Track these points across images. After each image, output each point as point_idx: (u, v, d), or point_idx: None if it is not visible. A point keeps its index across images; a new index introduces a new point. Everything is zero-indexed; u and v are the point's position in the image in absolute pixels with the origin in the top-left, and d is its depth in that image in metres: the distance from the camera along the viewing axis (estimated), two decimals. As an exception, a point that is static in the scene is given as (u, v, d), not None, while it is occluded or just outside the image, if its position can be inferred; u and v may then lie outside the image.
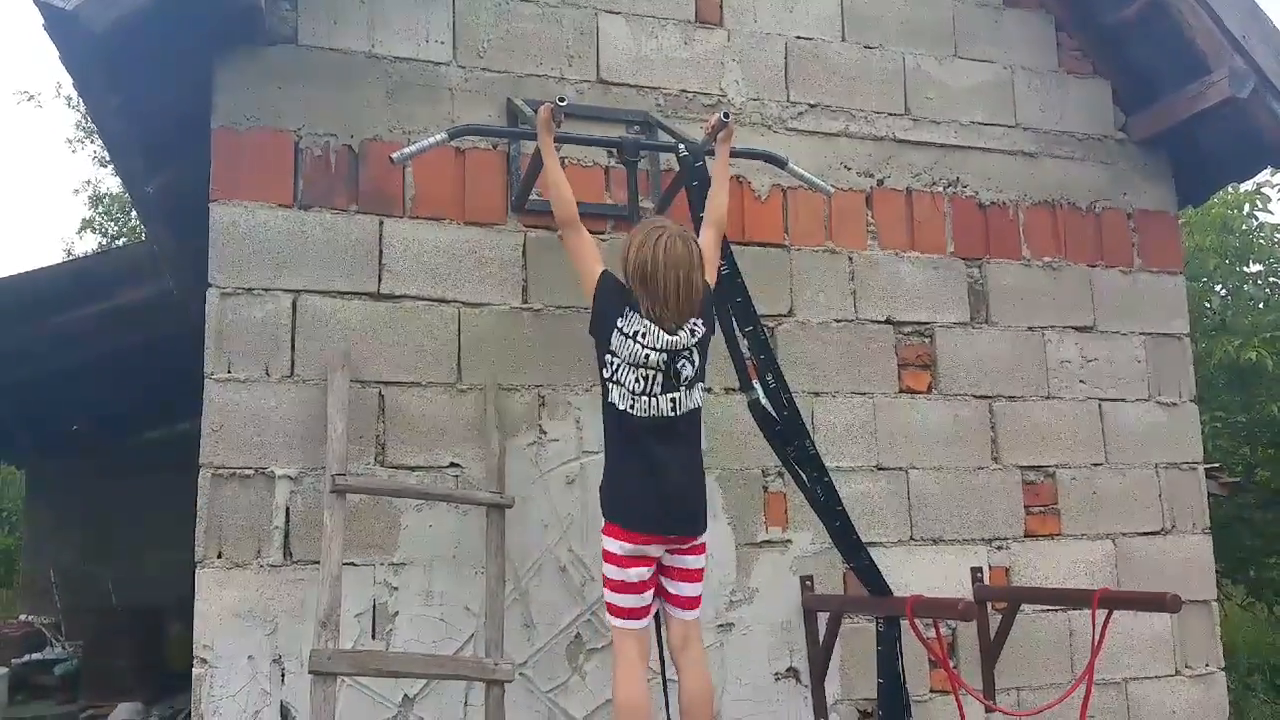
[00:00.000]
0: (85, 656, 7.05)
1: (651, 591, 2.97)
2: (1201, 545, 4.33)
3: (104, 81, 3.23)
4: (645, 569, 2.93)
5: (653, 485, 2.90)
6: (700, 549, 3.02)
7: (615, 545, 2.92)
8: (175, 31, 3.17)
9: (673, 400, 2.92)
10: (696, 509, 2.99)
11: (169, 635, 7.06)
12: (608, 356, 2.95)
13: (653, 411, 2.91)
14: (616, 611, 2.95)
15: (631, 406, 2.91)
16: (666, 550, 2.96)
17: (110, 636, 6.83)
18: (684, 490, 2.95)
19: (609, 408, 2.97)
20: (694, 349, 2.95)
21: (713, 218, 3.20)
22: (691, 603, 3.03)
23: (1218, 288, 9.39)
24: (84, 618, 7.60)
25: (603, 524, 2.97)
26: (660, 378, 2.91)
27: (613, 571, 2.93)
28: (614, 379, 2.94)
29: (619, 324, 2.91)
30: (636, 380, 2.90)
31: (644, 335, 2.88)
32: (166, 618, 7.16)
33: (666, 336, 2.88)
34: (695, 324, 2.94)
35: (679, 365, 2.92)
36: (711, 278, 3.09)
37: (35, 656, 7.55)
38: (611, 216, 3.66)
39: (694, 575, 3.02)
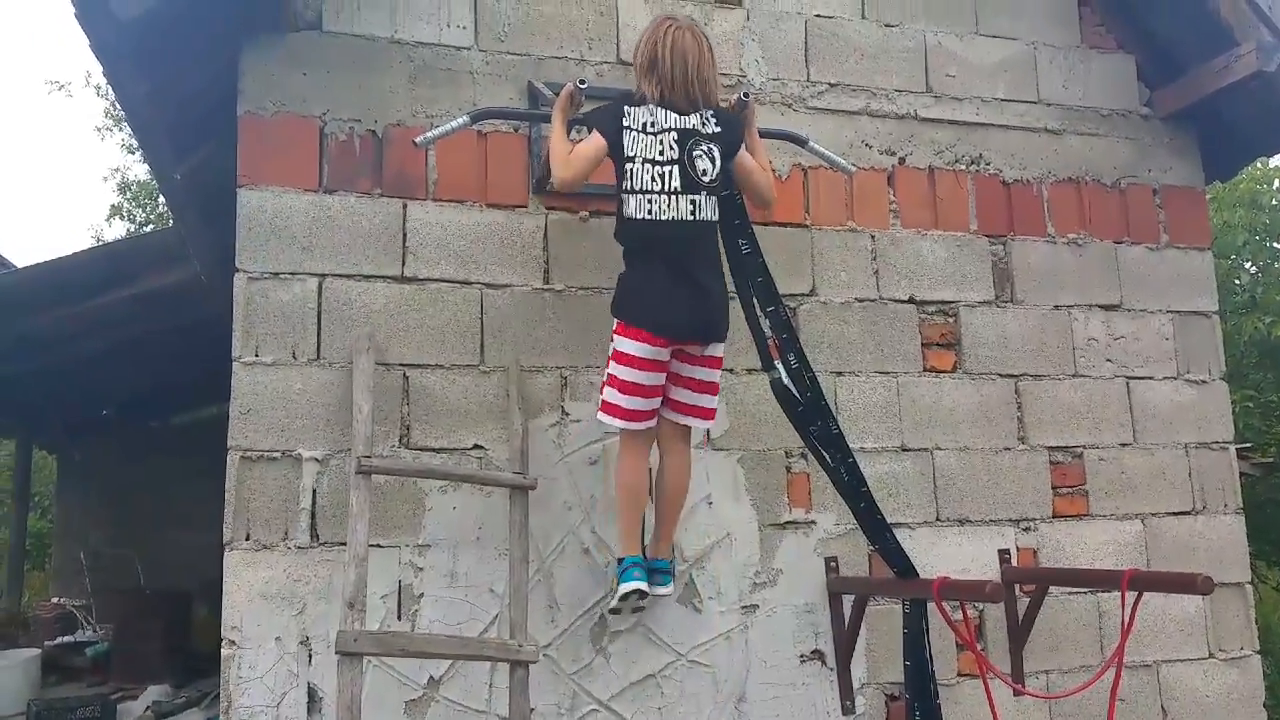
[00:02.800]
0: (115, 639, 7.15)
1: (659, 399, 3.06)
2: (1234, 526, 4.28)
3: (132, 69, 3.26)
4: (660, 373, 3.00)
5: (681, 290, 2.95)
6: (718, 362, 3.12)
7: (634, 347, 2.96)
8: (202, 19, 3.20)
9: (693, 202, 2.94)
10: (720, 316, 3.07)
11: (197, 618, 7.16)
12: (625, 166, 2.95)
13: (672, 213, 2.92)
14: (623, 414, 3.02)
15: (649, 211, 2.92)
16: (681, 359, 3.03)
17: (139, 619, 6.93)
18: (706, 295, 3.00)
19: (626, 223, 2.99)
20: (712, 145, 2.94)
21: (760, 193, 3.27)
22: (705, 413, 3.14)
23: (1247, 264, 9.27)
24: (114, 600, 7.72)
25: (615, 324, 3.02)
26: (677, 171, 2.91)
27: (627, 373, 2.98)
28: (632, 188, 2.95)
29: (625, 123, 2.92)
30: (654, 178, 2.91)
31: (652, 123, 2.90)
32: (194, 601, 7.26)
33: (676, 117, 2.89)
34: (709, 116, 2.95)
35: (695, 156, 2.91)
36: (759, 174, 3.18)
37: (67, 639, 7.67)
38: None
39: (712, 387, 3.13)
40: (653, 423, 3.12)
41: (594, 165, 3.09)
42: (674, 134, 2.89)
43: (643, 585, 3.08)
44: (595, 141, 3.05)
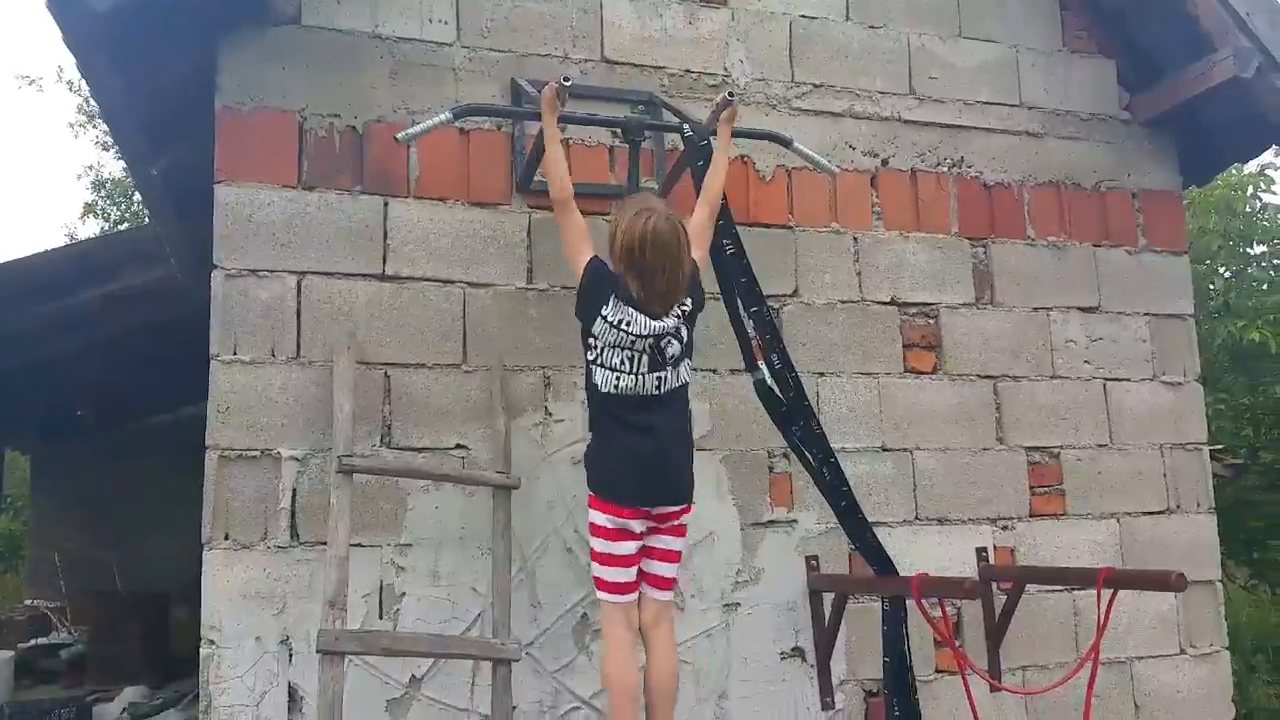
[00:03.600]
0: (91, 641, 7.08)
1: (637, 568, 2.99)
2: (1206, 525, 4.33)
3: (107, 63, 3.22)
4: (633, 543, 2.95)
5: (634, 457, 2.91)
6: (681, 530, 3.04)
7: (601, 518, 2.95)
8: (179, 12, 3.16)
9: (658, 379, 2.94)
10: (679, 481, 2.99)
11: (174, 619, 7.10)
12: (591, 340, 2.96)
13: (638, 390, 2.92)
14: (605, 586, 2.98)
15: (615, 386, 2.92)
16: (649, 526, 2.96)
17: (116, 621, 6.86)
18: (664, 461, 2.95)
19: (593, 389, 2.99)
20: (681, 327, 2.95)
21: (707, 196, 3.21)
22: (666, 583, 3.05)
23: (1221, 269, 9.36)
24: (89, 602, 7.63)
25: (589, 497, 2.99)
26: (645, 359, 2.92)
27: (600, 545, 2.96)
28: (598, 361, 2.95)
29: (604, 311, 2.91)
30: (622, 361, 2.91)
31: (629, 324, 2.89)
32: (171, 602, 7.19)
33: (653, 323, 2.89)
34: (684, 304, 2.95)
35: (664, 344, 2.92)
36: (701, 254, 3.11)
37: (41, 641, 7.59)
38: (615, 196, 3.63)
39: (672, 556, 3.04)
40: (636, 595, 3.00)
41: (569, 241, 3.07)
42: (648, 340, 2.89)
43: None
44: (581, 262, 2.99)
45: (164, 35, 3.21)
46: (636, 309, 2.89)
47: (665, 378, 2.95)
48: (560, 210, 3.09)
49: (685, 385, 3.03)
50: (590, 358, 2.98)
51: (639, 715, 2.94)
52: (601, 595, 3.00)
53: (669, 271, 2.87)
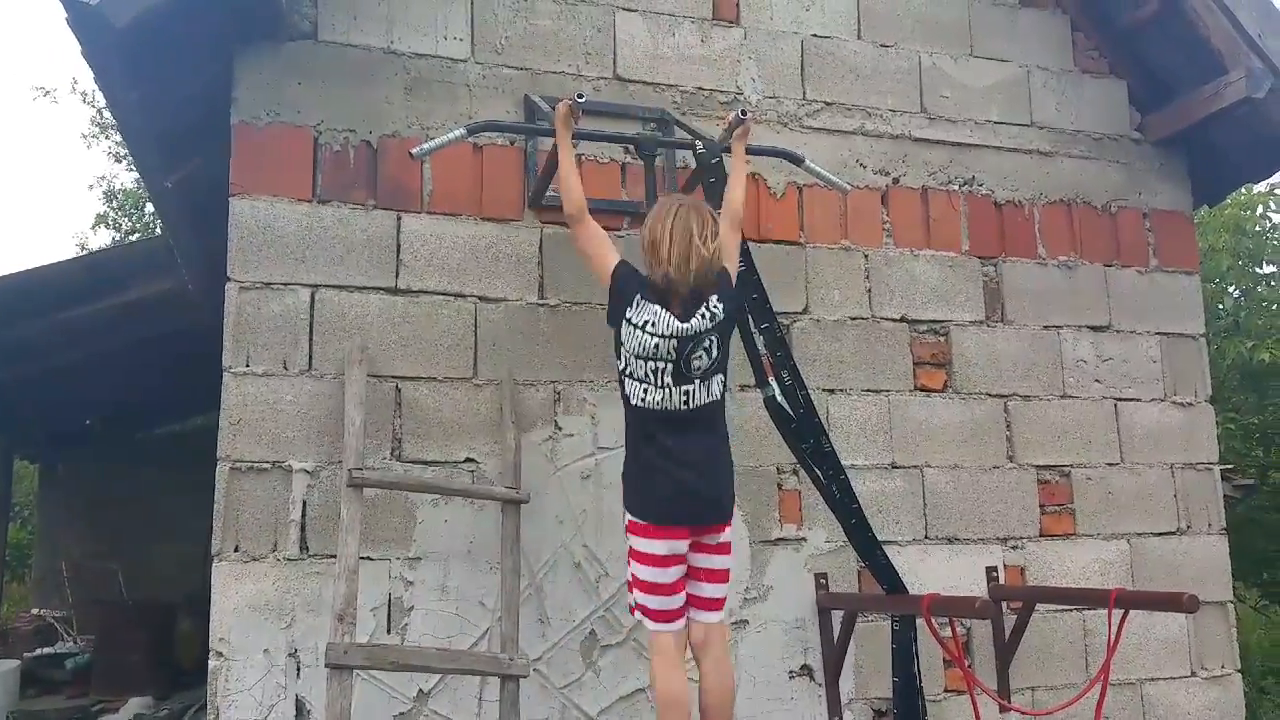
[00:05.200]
0: (96, 651, 7.07)
1: (684, 594, 2.91)
2: (1217, 546, 4.31)
3: (124, 76, 3.24)
4: (679, 568, 2.87)
5: (669, 477, 2.84)
6: (726, 548, 2.96)
7: (645, 544, 2.86)
8: (196, 27, 3.19)
9: (686, 393, 2.86)
10: (718, 497, 2.93)
11: (180, 630, 7.09)
12: (621, 347, 2.93)
13: (666, 404, 2.86)
14: (653, 615, 2.87)
15: (644, 400, 2.87)
16: (691, 548, 2.90)
17: (121, 631, 6.84)
18: (701, 479, 2.88)
19: (626, 402, 2.95)
20: (711, 337, 2.87)
21: (729, 214, 3.17)
22: (715, 604, 2.96)
23: (1231, 289, 9.36)
24: (95, 612, 7.62)
25: (626, 521, 2.93)
26: (670, 368, 2.85)
27: (646, 573, 2.86)
28: (627, 372, 2.92)
29: (628, 314, 2.87)
30: (647, 373, 2.86)
31: (652, 324, 2.83)
32: (177, 612, 7.19)
33: (676, 323, 2.82)
34: (714, 305, 2.87)
35: (691, 355, 2.84)
36: (732, 268, 3.06)
37: (46, 651, 7.57)
38: (628, 213, 3.66)
39: (719, 575, 2.96)
40: (682, 623, 2.91)
41: (591, 253, 3.04)
42: (673, 341, 2.82)
43: None
44: (605, 271, 2.97)
45: (182, 50, 3.24)
46: (662, 306, 2.84)
47: (694, 393, 2.87)
48: (576, 224, 3.07)
49: (719, 402, 2.95)
50: (620, 367, 2.94)
51: None
52: (651, 625, 2.89)
53: (691, 254, 2.82)
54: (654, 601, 2.87)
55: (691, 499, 2.86)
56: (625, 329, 2.88)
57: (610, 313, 2.97)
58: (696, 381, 2.88)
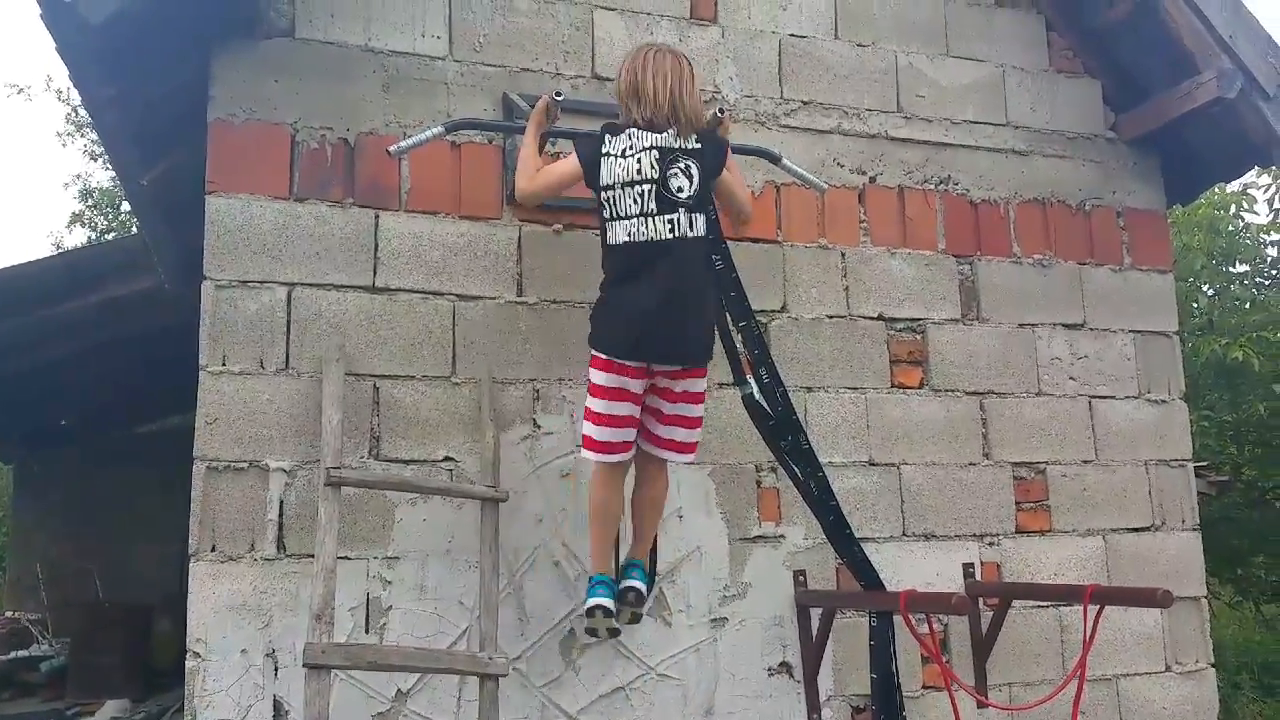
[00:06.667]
0: (72, 653, 7.00)
1: (634, 430, 2.94)
2: (1191, 542, 4.36)
3: (100, 73, 3.22)
4: (631, 404, 2.89)
5: (636, 310, 2.84)
6: (698, 397, 2.97)
7: (602, 377, 2.89)
8: (172, 24, 3.17)
9: (670, 221, 2.86)
10: (692, 336, 2.91)
11: (157, 631, 7.04)
12: (603, 194, 2.93)
13: (650, 234, 2.85)
14: (592, 445, 2.91)
15: (630, 234, 2.86)
16: (658, 393, 2.91)
17: (97, 633, 6.78)
18: (667, 315, 2.84)
19: (607, 250, 2.95)
20: (689, 160, 2.89)
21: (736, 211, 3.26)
22: (682, 448, 3.01)
23: (1205, 288, 9.46)
24: (71, 614, 7.54)
25: (590, 358, 2.96)
26: (654, 191, 2.85)
27: (598, 405, 2.90)
28: (614, 214, 2.91)
29: (605, 149, 2.90)
30: (633, 200, 2.85)
31: (631, 146, 2.87)
32: (154, 614, 7.14)
33: (654, 135, 2.86)
34: (694, 142, 2.91)
35: (670, 175, 2.85)
36: (739, 188, 3.14)
37: (21, 653, 7.49)
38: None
39: (692, 422, 2.98)
40: (627, 455, 2.99)
41: (559, 188, 3.10)
42: (655, 152, 2.85)
43: (605, 601, 3.02)
44: (570, 165, 3.04)
45: (157, 47, 3.22)
46: (639, 128, 2.87)
47: (678, 220, 2.86)
48: (531, 184, 3.08)
49: (702, 239, 2.94)
50: (605, 215, 2.93)
51: (613, 536, 3.07)
52: (588, 454, 2.93)
53: (674, 86, 2.86)
54: (602, 433, 2.90)
55: (657, 336, 2.85)
56: (605, 165, 2.90)
57: (586, 172, 2.97)
58: (681, 211, 2.88)
